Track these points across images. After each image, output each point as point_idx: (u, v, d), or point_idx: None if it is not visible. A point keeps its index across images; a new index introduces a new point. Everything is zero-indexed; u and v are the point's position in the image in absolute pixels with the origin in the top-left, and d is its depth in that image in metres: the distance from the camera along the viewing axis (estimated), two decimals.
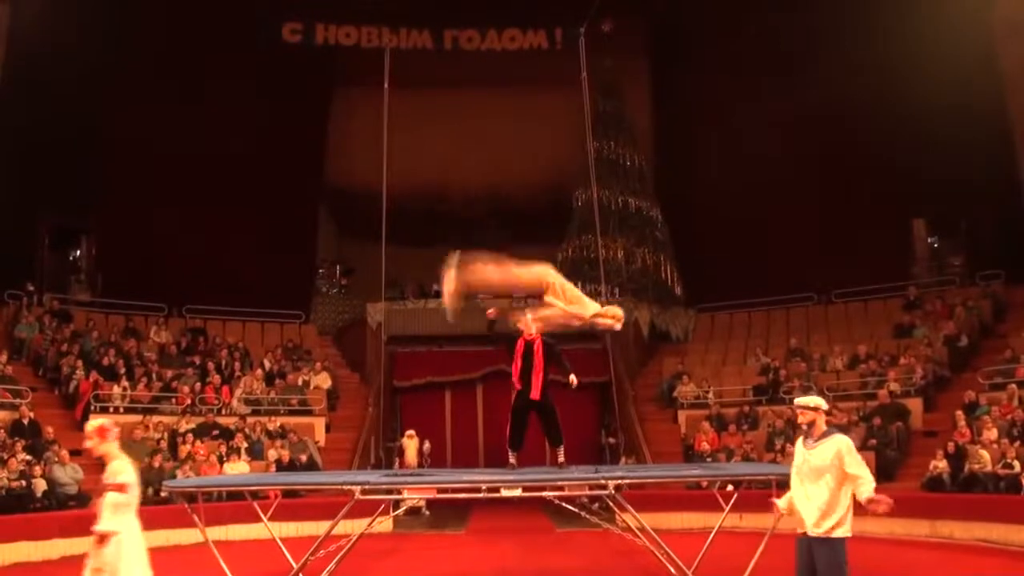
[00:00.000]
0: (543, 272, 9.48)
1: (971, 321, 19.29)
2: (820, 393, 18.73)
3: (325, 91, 24.26)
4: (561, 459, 10.10)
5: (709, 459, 17.54)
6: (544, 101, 23.70)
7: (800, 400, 6.81)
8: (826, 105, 21.12)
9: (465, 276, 9.25)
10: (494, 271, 9.37)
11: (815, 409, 6.63)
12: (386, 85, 16.64)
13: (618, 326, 9.45)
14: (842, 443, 6.44)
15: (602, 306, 9.47)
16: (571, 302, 9.30)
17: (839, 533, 6.36)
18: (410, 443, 19.50)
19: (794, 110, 21.48)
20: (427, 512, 18.57)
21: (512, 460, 10.12)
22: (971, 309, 19.57)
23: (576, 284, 21.95)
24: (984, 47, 20.07)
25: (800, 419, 6.73)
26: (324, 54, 23.88)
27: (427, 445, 19.83)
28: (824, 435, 6.56)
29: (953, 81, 19.55)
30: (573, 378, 9.76)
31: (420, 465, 19.14)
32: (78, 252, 23.78)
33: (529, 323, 9.86)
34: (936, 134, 19.68)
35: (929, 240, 23.41)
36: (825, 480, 6.42)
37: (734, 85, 22.59)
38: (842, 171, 21.51)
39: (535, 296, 9.63)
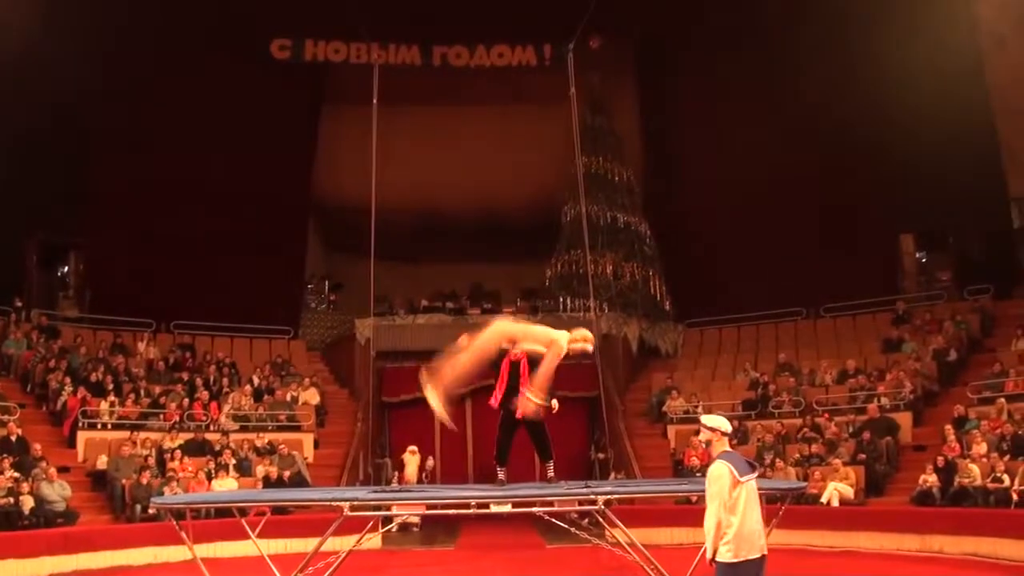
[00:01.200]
0: (502, 329, 9.28)
1: (960, 335, 19.39)
2: (808, 408, 18.86)
3: (314, 107, 24.25)
4: (551, 474, 10.06)
5: (699, 474, 17.47)
6: (532, 117, 23.73)
7: (704, 419, 6.74)
8: (814, 120, 21.27)
9: (440, 384, 9.13)
10: (462, 359, 9.19)
11: (713, 430, 6.56)
12: (375, 101, 16.61)
13: (590, 347, 9.35)
14: (711, 471, 6.42)
15: (570, 331, 9.29)
16: (543, 342, 9.14)
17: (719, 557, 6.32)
18: (411, 459, 19.47)
19: (782, 125, 21.59)
20: (416, 529, 18.54)
21: (501, 476, 10.08)
22: (960, 323, 19.66)
23: (566, 299, 22.25)
24: (971, 61, 20.25)
25: (701, 437, 6.72)
26: (313, 70, 23.90)
27: (430, 461, 19.80)
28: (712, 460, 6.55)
29: (940, 95, 19.69)
30: (555, 403, 9.70)
31: (420, 481, 19.13)
32: (66, 268, 23.70)
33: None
34: (924, 149, 19.83)
35: (917, 255, 23.51)
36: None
37: (722, 101, 22.72)
38: (830, 186, 21.58)
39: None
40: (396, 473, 19.68)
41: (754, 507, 6.37)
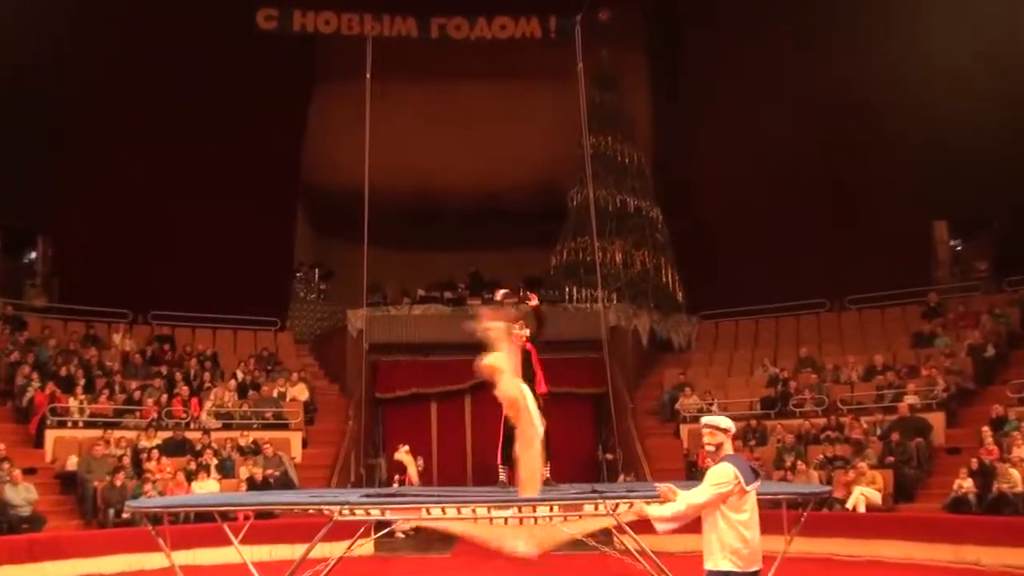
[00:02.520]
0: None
1: (998, 329, 19.22)
2: (832, 407, 18.76)
3: (303, 82, 24.17)
4: (546, 475, 9.98)
5: None
6: (537, 93, 23.66)
7: (710, 419, 6.66)
8: (839, 98, 21.14)
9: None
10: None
11: (725, 431, 6.51)
12: (368, 76, 16.52)
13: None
14: (717, 469, 6.38)
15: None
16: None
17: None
18: (409, 459, 19.41)
19: (804, 103, 21.48)
20: (412, 533, 18.49)
21: (503, 477, 10.01)
22: (998, 317, 19.49)
23: (572, 289, 22.13)
24: (1009, 38, 20.03)
25: (707, 440, 6.58)
26: (302, 43, 23.76)
27: (420, 462, 19.72)
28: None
29: (975, 73, 19.52)
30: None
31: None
32: (33, 254, 23.58)
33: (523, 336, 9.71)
34: (960, 129, 19.61)
35: (952, 243, 23.40)
36: None
37: (739, 79, 22.61)
38: (856, 168, 21.47)
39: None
40: (397, 476, 19.61)
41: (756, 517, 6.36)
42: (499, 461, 10.11)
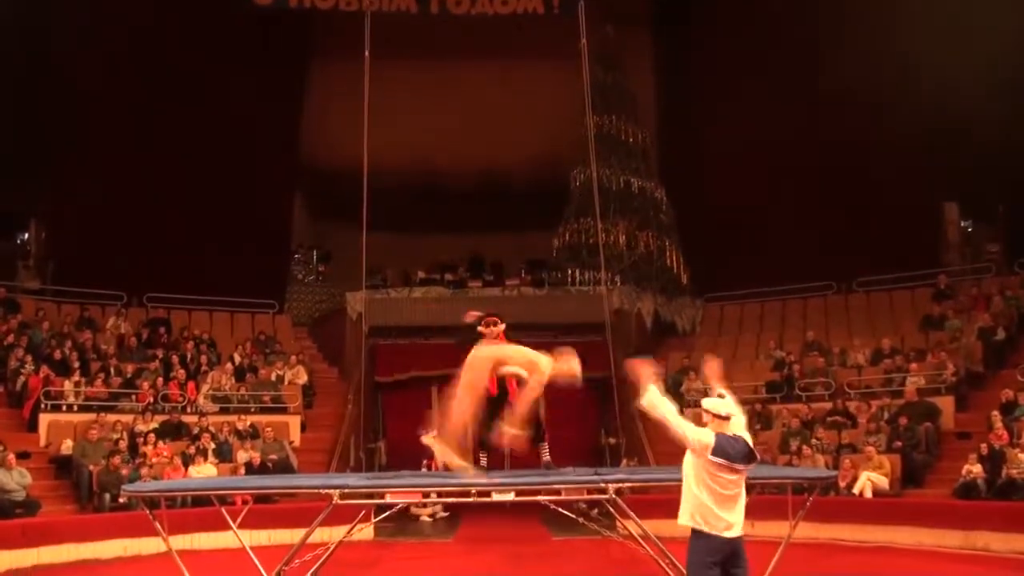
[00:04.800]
0: (484, 357, 9.04)
1: (1009, 313, 19.20)
2: (839, 391, 18.79)
3: (300, 60, 24.12)
4: (546, 457, 10.03)
5: None
6: (539, 71, 23.63)
7: (709, 404, 6.88)
8: (847, 76, 21.02)
9: (451, 438, 9.17)
10: (460, 405, 9.15)
11: (725, 417, 6.73)
12: (366, 53, 16.47)
13: (577, 374, 9.23)
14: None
15: (555, 356, 9.11)
16: (525, 365, 9.02)
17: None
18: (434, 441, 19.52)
19: (813, 83, 21.41)
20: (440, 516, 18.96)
21: (482, 461, 10.06)
22: (1009, 299, 19.49)
23: (574, 272, 22.17)
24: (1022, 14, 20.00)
25: (707, 422, 6.79)
26: (298, 19, 23.70)
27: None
28: None
29: (988, 52, 19.45)
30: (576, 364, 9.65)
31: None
32: (26, 235, 23.62)
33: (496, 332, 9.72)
34: (970, 108, 19.55)
35: (962, 224, 23.40)
36: None
37: (746, 56, 22.56)
38: (865, 148, 21.41)
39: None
40: (425, 460, 19.74)
41: (730, 490, 6.59)
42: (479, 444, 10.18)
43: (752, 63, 22.38)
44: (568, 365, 8.98)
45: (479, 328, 9.61)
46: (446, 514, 19.00)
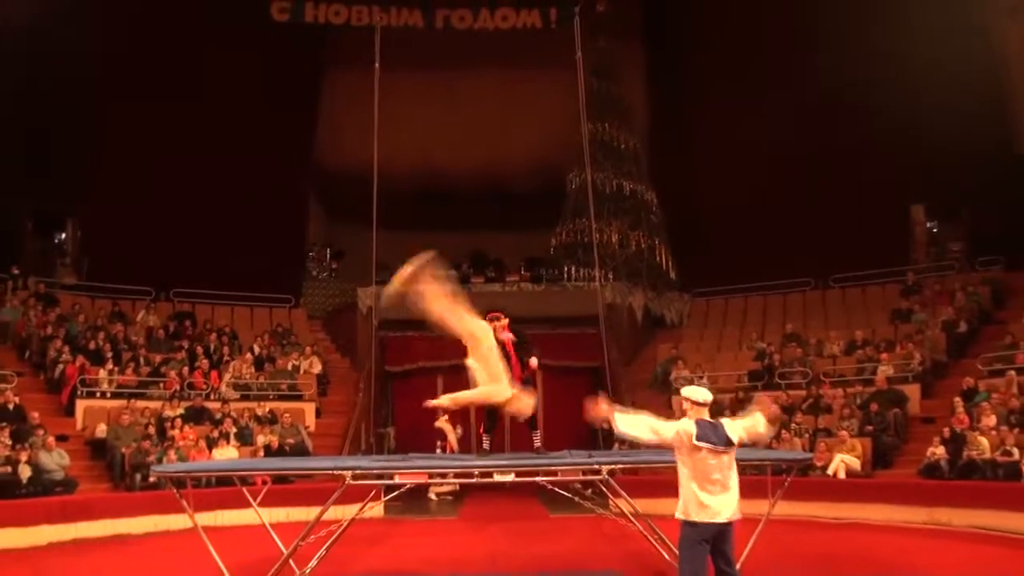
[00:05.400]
0: (482, 332, 9.27)
1: (970, 307, 19.36)
2: (815, 379, 18.89)
3: (315, 71, 24.13)
4: (537, 444, 10.15)
5: None
6: (538, 82, 23.61)
7: (687, 392, 6.99)
8: (824, 88, 21.11)
9: (419, 282, 9.15)
10: (441, 299, 9.27)
11: (703, 404, 6.85)
12: (376, 65, 16.56)
13: (527, 412, 9.40)
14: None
15: (515, 391, 9.21)
16: (492, 378, 9.13)
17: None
18: (449, 427, 19.68)
19: (792, 93, 21.47)
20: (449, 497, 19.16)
21: (486, 444, 10.19)
22: (971, 295, 19.64)
23: (570, 268, 22.24)
24: (983, 28, 20.08)
25: (686, 409, 6.93)
26: (314, 33, 23.76)
27: (459, 429, 19.88)
28: None
29: (953, 63, 19.54)
30: (534, 361, 9.77)
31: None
32: (63, 235, 23.77)
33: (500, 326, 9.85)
34: (936, 118, 19.70)
35: (928, 225, 23.53)
36: None
37: (730, 68, 22.60)
38: (841, 155, 21.49)
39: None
40: (439, 442, 19.86)
41: (716, 475, 6.65)
42: (481, 430, 10.29)
43: (735, 73, 22.44)
44: (524, 404, 9.15)
45: (484, 322, 9.72)
46: (454, 494, 19.21)
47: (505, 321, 9.81)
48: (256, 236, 22.15)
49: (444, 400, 9.58)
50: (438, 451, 19.20)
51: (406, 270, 8.95)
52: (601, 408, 7.01)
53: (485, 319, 9.65)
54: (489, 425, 10.18)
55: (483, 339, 9.15)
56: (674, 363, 20.84)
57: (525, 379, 9.75)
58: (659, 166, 24.19)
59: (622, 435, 6.96)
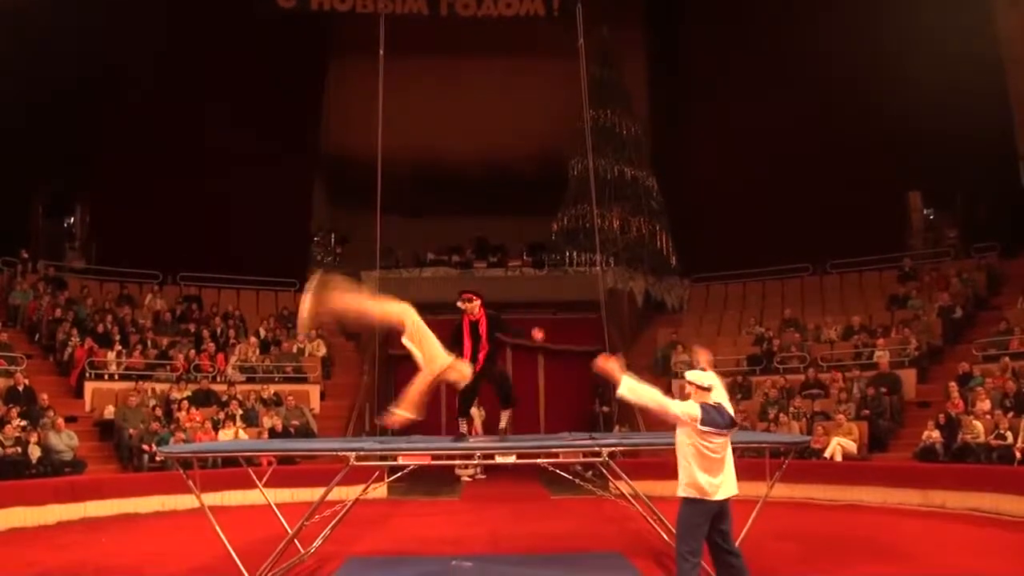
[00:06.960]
0: (401, 312, 9.21)
1: (966, 293, 19.36)
2: (813, 363, 18.88)
3: (320, 58, 24.09)
4: (502, 424, 10.16)
5: None
6: (540, 69, 23.54)
7: (692, 376, 6.98)
8: (824, 76, 21.04)
9: (324, 301, 9.09)
10: (352, 301, 9.24)
11: (707, 389, 6.84)
12: (381, 52, 16.50)
13: (463, 383, 9.33)
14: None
15: (452, 360, 9.09)
16: (424, 353, 9.07)
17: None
18: (474, 409, 19.72)
19: (791, 81, 21.40)
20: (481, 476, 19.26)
21: (463, 428, 10.19)
22: (966, 281, 19.63)
23: (572, 254, 22.22)
24: (982, 17, 20.00)
25: (689, 393, 6.91)
26: (319, 20, 23.71)
27: (482, 411, 19.88)
28: None
29: (951, 52, 19.46)
30: (536, 333, 9.68)
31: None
32: (72, 219, 23.77)
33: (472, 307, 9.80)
34: (933, 106, 19.58)
35: (925, 212, 23.49)
36: None
37: (730, 55, 22.55)
38: (839, 143, 21.42)
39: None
40: (466, 425, 19.84)
41: (716, 455, 6.68)
42: (457, 415, 10.28)
43: (736, 61, 22.40)
44: (460, 370, 9.09)
45: (457, 304, 9.73)
46: (483, 476, 19.24)
47: (477, 302, 9.76)
48: (262, 221, 22.10)
49: (405, 412, 8.98)
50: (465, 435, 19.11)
51: (306, 300, 8.86)
52: (612, 365, 6.91)
53: (459, 300, 9.67)
54: (463, 409, 10.17)
55: (405, 317, 9.09)
56: (674, 347, 20.83)
57: (488, 356, 9.72)
58: (660, 153, 24.15)
59: (622, 397, 6.88)
